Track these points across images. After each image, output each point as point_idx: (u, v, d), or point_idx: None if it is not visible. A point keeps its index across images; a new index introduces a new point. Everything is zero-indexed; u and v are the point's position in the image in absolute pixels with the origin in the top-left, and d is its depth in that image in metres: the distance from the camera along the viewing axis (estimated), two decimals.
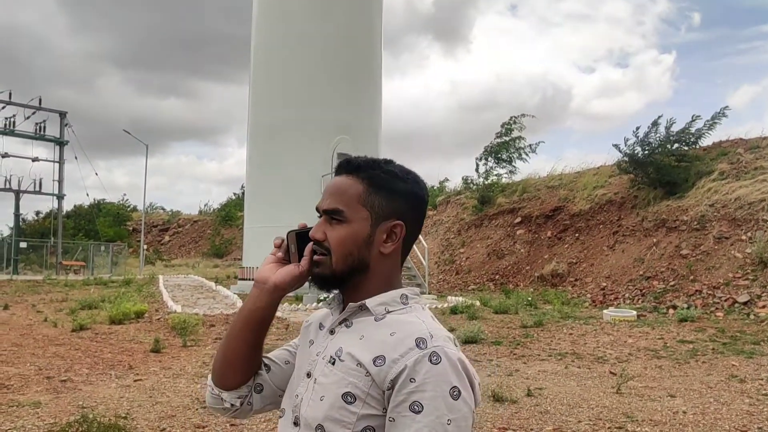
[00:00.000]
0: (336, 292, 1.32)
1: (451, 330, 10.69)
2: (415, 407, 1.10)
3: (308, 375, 1.25)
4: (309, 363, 1.27)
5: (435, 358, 1.13)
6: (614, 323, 11.47)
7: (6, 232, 39.29)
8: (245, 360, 1.35)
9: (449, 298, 15.82)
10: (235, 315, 1.33)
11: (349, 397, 1.15)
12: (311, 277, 1.28)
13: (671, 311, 12.66)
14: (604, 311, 12.56)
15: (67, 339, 10.32)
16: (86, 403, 6.30)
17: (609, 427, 5.48)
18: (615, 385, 6.89)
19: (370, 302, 1.25)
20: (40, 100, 32.58)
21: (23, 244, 32.15)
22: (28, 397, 6.56)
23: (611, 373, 7.72)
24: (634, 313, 12.22)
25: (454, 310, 13.01)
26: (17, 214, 34.70)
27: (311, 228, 1.30)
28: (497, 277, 19.83)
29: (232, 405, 1.37)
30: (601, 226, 18.58)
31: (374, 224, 1.25)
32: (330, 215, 1.25)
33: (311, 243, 1.28)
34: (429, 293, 17.16)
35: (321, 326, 1.35)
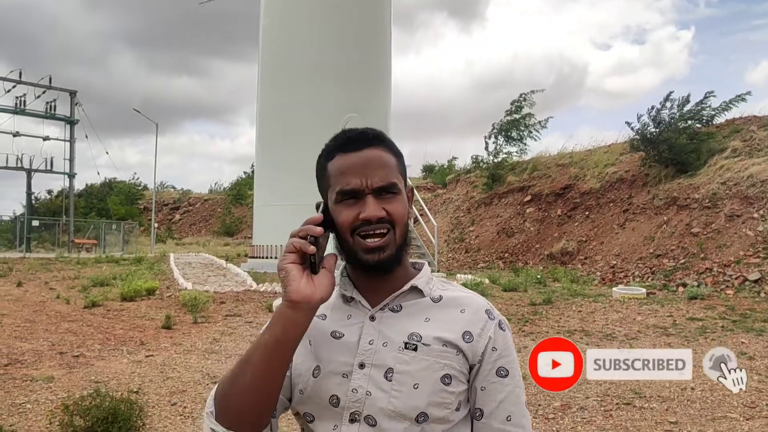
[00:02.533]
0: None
1: None
2: (502, 372, 1.23)
3: (361, 366, 1.18)
4: (357, 354, 1.19)
5: (503, 325, 1.26)
6: (623, 301, 11.46)
7: (19, 211, 39.63)
8: (278, 391, 1.17)
9: (458, 276, 15.84)
10: (265, 349, 1.11)
11: (446, 379, 1.18)
12: (376, 264, 1.19)
13: (681, 289, 12.62)
14: (614, 289, 12.55)
15: (80, 315, 10.44)
16: (98, 378, 6.39)
17: (617, 403, 5.50)
18: None
19: (420, 284, 1.26)
20: (50, 79, 32.71)
21: (35, 223, 32.42)
22: (41, 371, 6.66)
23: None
24: (644, 290, 12.19)
25: None
26: (29, 193, 34.98)
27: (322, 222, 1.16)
28: (507, 255, 19.82)
29: None
30: (611, 204, 18.48)
31: (406, 192, 1.25)
32: (385, 191, 1.19)
33: (378, 237, 1.17)
34: (438, 271, 17.19)
35: (323, 317, 1.25)
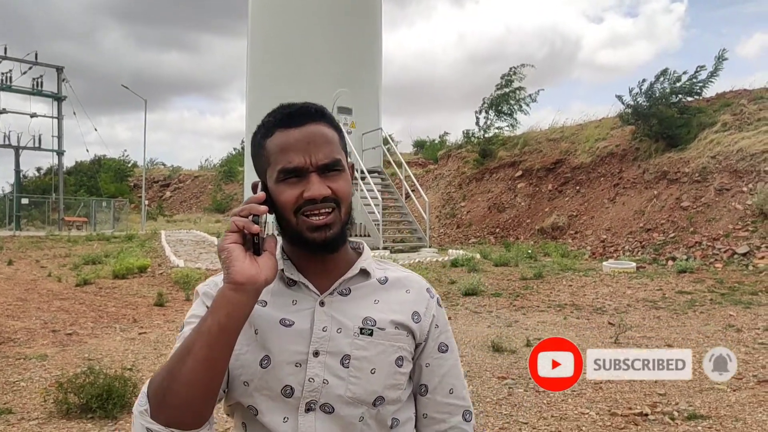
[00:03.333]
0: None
1: (452, 283, 10.80)
2: (443, 347, 1.27)
3: (316, 354, 1.14)
4: (311, 342, 1.15)
5: (440, 301, 1.31)
6: (613, 275, 11.55)
7: (7, 189, 39.37)
8: (221, 381, 1.07)
9: (450, 251, 15.89)
10: (209, 336, 1.01)
11: (399, 361, 1.20)
12: (323, 242, 1.14)
13: (670, 263, 12.73)
14: (604, 263, 12.64)
15: (72, 293, 10.43)
16: (92, 355, 6.41)
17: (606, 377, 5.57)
18: (613, 335, 6.98)
19: (368, 266, 1.24)
20: (36, 55, 32.26)
21: (25, 201, 32.20)
22: (34, 350, 6.67)
23: (610, 323, 7.81)
24: (634, 264, 12.29)
25: (454, 263, 13.09)
26: (18, 171, 34.69)
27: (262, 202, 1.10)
28: (498, 230, 19.89)
29: None
30: (602, 178, 18.54)
31: (348, 167, 1.20)
32: (330, 168, 1.14)
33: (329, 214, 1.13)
34: (430, 247, 17.23)
35: (264, 303, 1.17)
